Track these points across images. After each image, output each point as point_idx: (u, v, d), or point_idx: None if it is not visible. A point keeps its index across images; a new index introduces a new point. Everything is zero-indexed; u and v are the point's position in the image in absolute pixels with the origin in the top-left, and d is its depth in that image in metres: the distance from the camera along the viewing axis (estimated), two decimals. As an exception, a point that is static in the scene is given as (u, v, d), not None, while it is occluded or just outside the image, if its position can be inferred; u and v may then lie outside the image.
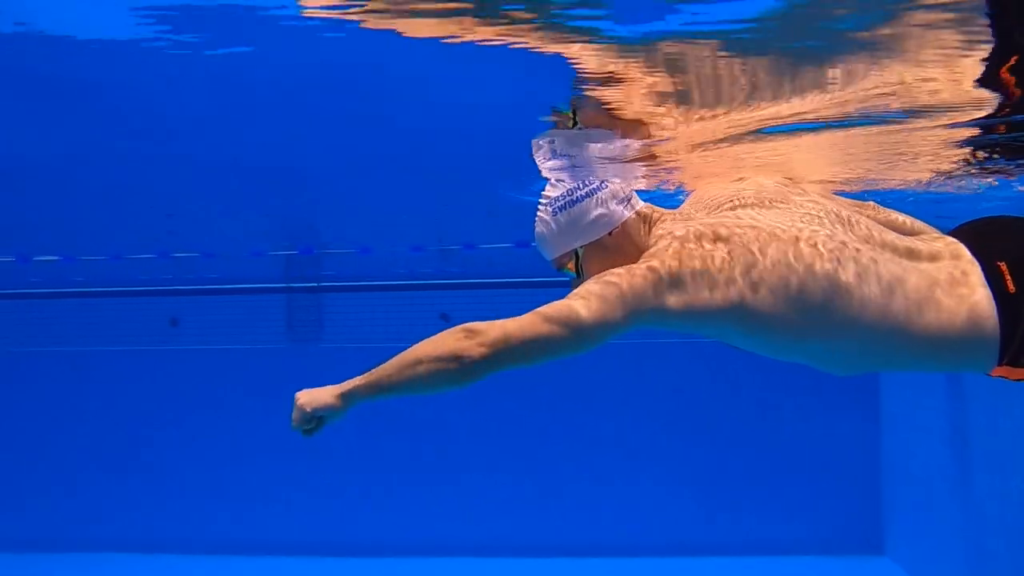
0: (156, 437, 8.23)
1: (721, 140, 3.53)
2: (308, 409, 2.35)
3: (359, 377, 2.36)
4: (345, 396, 2.35)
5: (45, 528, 8.23)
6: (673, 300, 2.38)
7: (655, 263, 2.42)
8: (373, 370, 2.36)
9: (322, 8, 2.38)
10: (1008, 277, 2.43)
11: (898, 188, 4.54)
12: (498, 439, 8.04)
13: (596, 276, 2.47)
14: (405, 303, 7.75)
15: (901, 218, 3.03)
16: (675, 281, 2.39)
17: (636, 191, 2.82)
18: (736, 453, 7.81)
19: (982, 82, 2.79)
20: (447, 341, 2.30)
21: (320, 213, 6.95)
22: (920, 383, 6.66)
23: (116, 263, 7.79)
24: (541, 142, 3.58)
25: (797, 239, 2.45)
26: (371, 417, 7.96)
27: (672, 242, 2.47)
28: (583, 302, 2.36)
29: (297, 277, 7.96)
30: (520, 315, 2.36)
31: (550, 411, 8.06)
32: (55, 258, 7.75)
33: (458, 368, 2.29)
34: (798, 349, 2.52)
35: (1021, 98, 2.97)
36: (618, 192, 2.73)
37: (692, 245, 2.43)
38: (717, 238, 2.44)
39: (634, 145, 3.59)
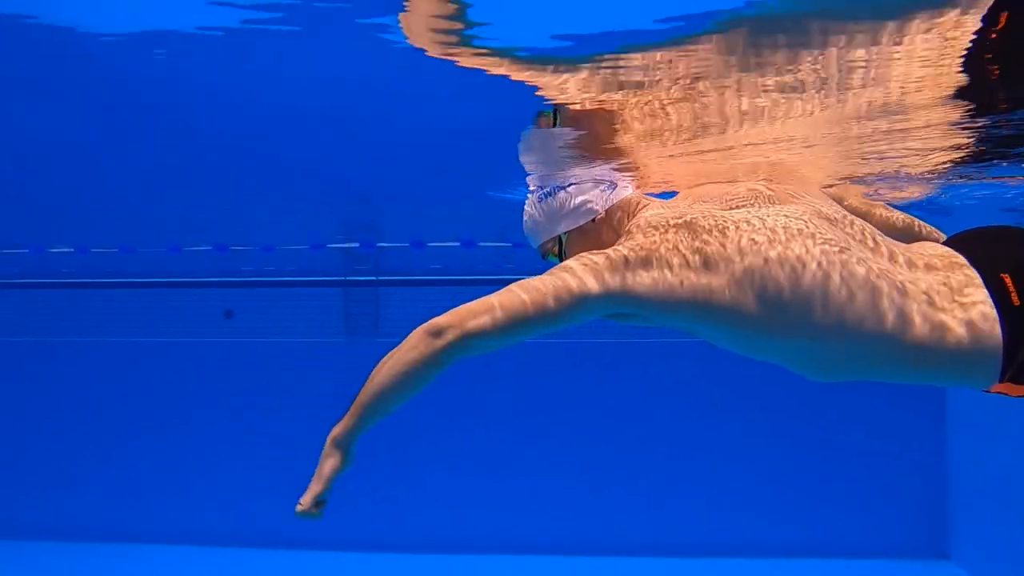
0: (208, 428, 8.23)
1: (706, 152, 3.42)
2: (321, 488, 2.36)
3: (341, 421, 2.35)
4: (340, 441, 2.34)
5: (90, 517, 8.31)
6: (636, 284, 2.34)
7: (621, 248, 2.40)
8: (352, 406, 2.35)
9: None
10: (1013, 290, 2.26)
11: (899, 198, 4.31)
12: (557, 436, 7.97)
13: (559, 265, 2.43)
14: (461, 299, 7.67)
15: (900, 218, 2.92)
16: (639, 265, 2.35)
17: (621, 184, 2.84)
18: (798, 454, 7.67)
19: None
20: (412, 352, 2.29)
21: (379, 207, 6.93)
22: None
23: (172, 255, 7.84)
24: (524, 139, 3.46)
25: (777, 235, 2.34)
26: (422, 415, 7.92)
27: (646, 228, 2.45)
28: (530, 293, 2.35)
29: (355, 271, 7.94)
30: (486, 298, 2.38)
31: (604, 409, 7.97)
32: (113, 249, 7.82)
33: (435, 367, 2.30)
34: (769, 348, 2.40)
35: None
36: (601, 180, 2.77)
37: (661, 232, 2.41)
38: (693, 228, 2.38)
39: (611, 153, 3.44)
